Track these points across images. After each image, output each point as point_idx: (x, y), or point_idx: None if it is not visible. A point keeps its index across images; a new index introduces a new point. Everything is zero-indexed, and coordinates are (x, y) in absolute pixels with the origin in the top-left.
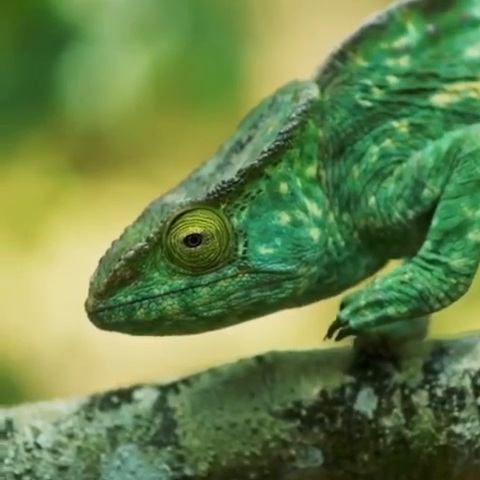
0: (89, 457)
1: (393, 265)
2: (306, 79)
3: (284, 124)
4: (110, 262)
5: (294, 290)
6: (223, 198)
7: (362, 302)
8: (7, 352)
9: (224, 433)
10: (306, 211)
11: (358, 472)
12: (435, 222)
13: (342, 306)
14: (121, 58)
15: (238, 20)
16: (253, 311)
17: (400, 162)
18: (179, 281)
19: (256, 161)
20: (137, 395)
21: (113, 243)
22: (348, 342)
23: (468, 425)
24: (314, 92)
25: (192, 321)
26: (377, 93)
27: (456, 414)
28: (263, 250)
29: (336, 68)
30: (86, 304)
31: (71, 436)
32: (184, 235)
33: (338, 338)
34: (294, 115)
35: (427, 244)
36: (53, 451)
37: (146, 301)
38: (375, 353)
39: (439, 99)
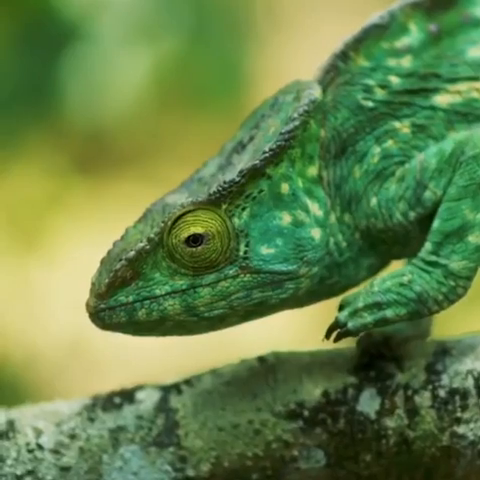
0: (91, 458)
1: (395, 266)
2: (308, 79)
3: (286, 124)
4: (111, 262)
5: (295, 290)
6: (224, 198)
7: (360, 304)
8: (9, 352)
9: (226, 434)
10: (307, 211)
11: (361, 473)
12: (436, 224)
13: (341, 307)
14: (123, 58)
15: (241, 20)
16: (254, 311)
17: (402, 163)
18: (180, 281)
19: (257, 161)
20: (139, 396)
21: (114, 243)
22: (351, 343)
23: (471, 426)
24: (316, 92)
25: (193, 321)
26: (379, 93)
27: (459, 415)
28: (264, 250)
29: (338, 68)
30: (87, 304)
31: (73, 437)
32: (185, 235)
33: (336, 340)
34: (296, 115)
35: (427, 246)
36: (55, 452)
37: (147, 301)
38: (378, 354)
39: (441, 99)
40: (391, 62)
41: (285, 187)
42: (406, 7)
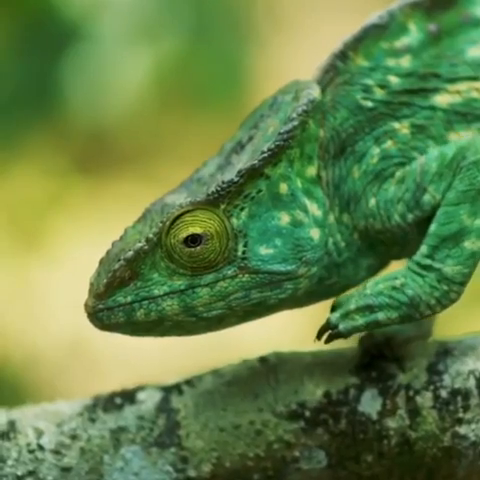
0: (92, 458)
1: (395, 266)
2: (307, 79)
3: (284, 124)
4: (110, 263)
5: (294, 290)
6: (223, 198)
7: (352, 306)
8: (9, 352)
9: (227, 434)
10: (306, 211)
11: (362, 473)
12: (433, 227)
13: (333, 308)
14: (124, 58)
15: (241, 20)
16: (253, 312)
17: (401, 164)
18: (179, 282)
19: (256, 161)
20: (140, 396)
21: (113, 244)
22: (352, 343)
23: (473, 426)
24: (315, 92)
25: (192, 322)
26: (378, 93)
27: (461, 415)
28: (263, 250)
29: (337, 68)
30: (86, 305)
31: (74, 437)
32: (184, 235)
33: (327, 341)
34: (294, 115)
35: (423, 249)
36: (56, 452)
37: (146, 302)
38: (379, 354)
39: (441, 99)
40: (390, 62)
41: (284, 187)
42: (405, 7)
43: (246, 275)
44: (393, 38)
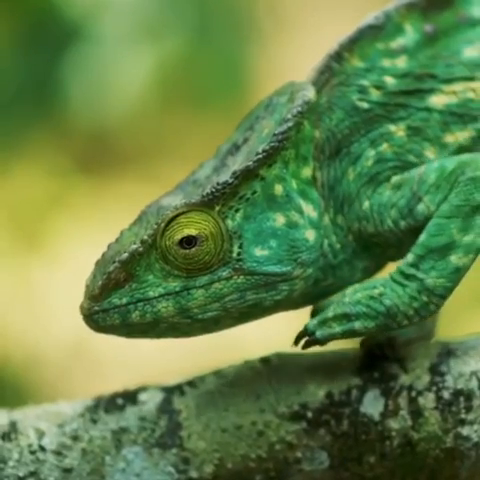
0: (94, 459)
1: (393, 267)
2: (302, 80)
3: (279, 125)
4: (105, 265)
5: (290, 292)
6: (217, 200)
7: (330, 314)
8: (11, 353)
9: (229, 435)
10: (301, 212)
11: (364, 474)
12: (422, 237)
13: (313, 314)
14: (126, 58)
15: (244, 19)
16: (249, 313)
17: (396, 168)
18: (174, 283)
19: (250, 162)
20: (142, 397)
21: (109, 246)
22: (354, 344)
23: (475, 427)
24: (310, 93)
25: (187, 323)
26: (374, 94)
27: (463, 416)
28: (258, 252)
29: (332, 69)
30: (81, 307)
31: (76, 438)
32: (179, 237)
33: (304, 347)
34: (289, 116)
35: (409, 257)
36: (57, 453)
37: (141, 303)
38: (382, 355)
39: (437, 100)
40: (386, 63)
41: (278, 188)
42: (401, 7)
43: (241, 276)
44: (389, 39)
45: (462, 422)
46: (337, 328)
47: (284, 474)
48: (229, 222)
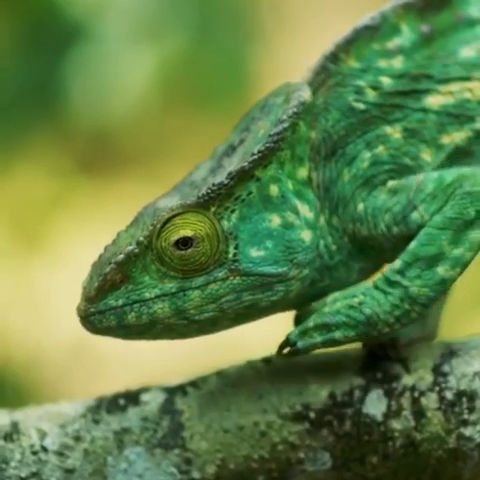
0: (96, 460)
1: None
2: (298, 81)
3: (275, 126)
4: (101, 266)
5: (286, 293)
6: (213, 201)
7: (311, 324)
8: (12, 354)
9: (232, 436)
10: (297, 213)
11: (367, 475)
12: (412, 245)
13: (296, 320)
14: (128, 57)
15: (246, 18)
16: (245, 314)
17: (392, 171)
18: (170, 284)
19: (246, 163)
20: (144, 397)
21: (105, 248)
22: (357, 344)
23: (478, 428)
24: (306, 94)
25: (184, 325)
26: (371, 94)
27: (466, 417)
28: (254, 253)
29: (328, 70)
30: (78, 309)
31: (78, 439)
32: (175, 238)
33: (287, 356)
34: (285, 117)
35: (396, 263)
36: (59, 454)
37: (137, 305)
38: (384, 355)
39: (433, 101)
40: (382, 63)
41: (274, 189)
42: (398, 8)
43: (237, 277)
44: (385, 39)
45: (465, 423)
46: (318, 338)
47: (287, 475)
48: (225, 223)
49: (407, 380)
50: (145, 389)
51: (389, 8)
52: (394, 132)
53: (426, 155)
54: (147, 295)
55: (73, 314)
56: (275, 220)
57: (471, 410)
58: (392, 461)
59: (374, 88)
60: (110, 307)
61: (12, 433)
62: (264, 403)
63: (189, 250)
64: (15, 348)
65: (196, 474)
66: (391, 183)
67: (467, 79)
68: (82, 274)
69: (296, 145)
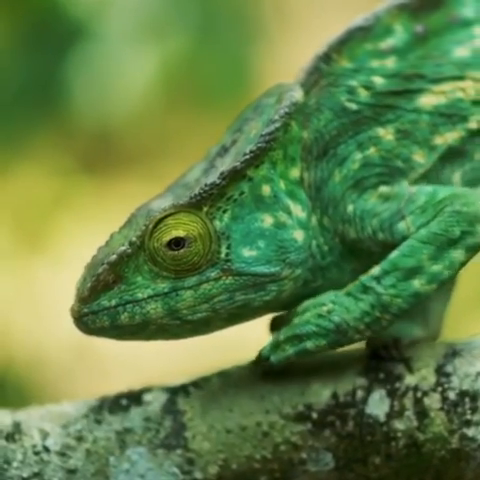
0: (98, 460)
1: None
2: (291, 81)
3: (266, 126)
4: (94, 267)
5: (279, 293)
6: (205, 201)
7: (282, 337)
8: (14, 354)
9: (234, 436)
10: (289, 213)
11: (370, 475)
12: (393, 254)
13: (271, 327)
14: (130, 57)
15: (249, 18)
16: (238, 314)
17: (383, 174)
18: (162, 284)
19: (238, 163)
20: (146, 397)
21: (99, 249)
22: (360, 344)
23: None
24: (297, 94)
25: (177, 325)
26: (363, 94)
27: (469, 417)
28: (246, 252)
29: (321, 70)
30: (71, 309)
31: (80, 439)
32: (167, 239)
33: (263, 373)
34: (276, 117)
35: (375, 270)
36: (61, 454)
37: (130, 305)
38: (387, 355)
39: (425, 101)
40: (375, 63)
41: (266, 189)
42: (393, 8)
43: (229, 277)
44: (378, 39)
45: (468, 423)
46: (290, 350)
47: (289, 475)
48: (217, 223)
49: (410, 380)
50: (147, 389)
51: (383, 8)
52: (386, 134)
53: (418, 157)
54: (140, 295)
55: None
56: (267, 220)
57: (474, 410)
58: (395, 461)
59: (366, 88)
60: (103, 307)
61: (14, 433)
62: (266, 403)
63: (181, 250)
64: (17, 348)
65: (198, 474)
66: (384, 189)
67: (460, 78)
68: None
69: (288, 145)
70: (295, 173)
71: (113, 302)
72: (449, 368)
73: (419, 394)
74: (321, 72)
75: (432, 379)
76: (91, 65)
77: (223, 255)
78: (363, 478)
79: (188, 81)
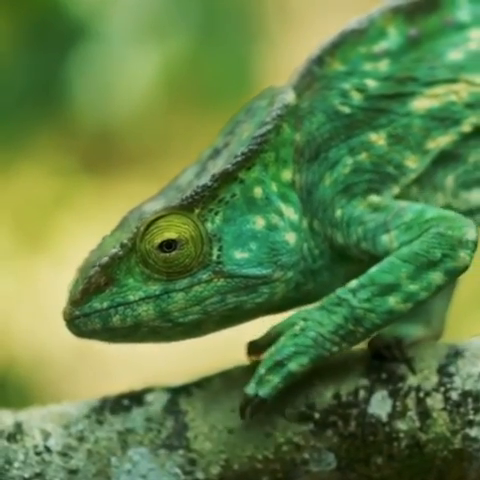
0: (99, 460)
1: None
2: (283, 84)
3: (258, 128)
4: (86, 270)
5: (270, 295)
6: (197, 203)
7: (262, 370)
8: (16, 354)
9: (236, 436)
10: (281, 215)
11: (372, 476)
12: (373, 269)
13: (248, 351)
14: (132, 57)
15: (251, 18)
16: (230, 317)
17: (372, 181)
18: (154, 287)
19: (229, 165)
20: (148, 398)
21: (90, 252)
22: (362, 345)
23: None
24: (289, 97)
25: (168, 327)
26: (356, 98)
27: (471, 417)
28: (238, 254)
29: (314, 73)
30: (63, 312)
31: (81, 439)
32: (159, 241)
33: (252, 414)
34: (268, 119)
35: (352, 283)
36: (63, 454)
37: (121, 307)
38: (389, 355)
39: (418, 104)
40: (368, 66)
41: (258, 191)
42: (387, 11)
43: (221, 279)
44: (371, 42)
45: (470, 423)
46: (275, 379)
47: (291, 475)
48: (209, 225)
49: (412, 380)
50: (149, 389)
51: (378, 12)
52: (378, 139)
53: (410, 162)
54: (131, 297)
55: None
56: (259, 222)
57: (476, 411)
58: (397, 462)
59: (359, 91)
60: (95, 310)
61: (15, 434)
62: (268, 403)
63: (173, 252)
64: (19, 348)
65: (200, 475)
66: (374, 198)
67: (453, 81)
68: None
69: (280, 147)
70: (287, 175)
71: (105, 304)
72: (451, 368)
73: (421, 394)
74: (314, 75)
75: (434, 379)
76: (93, 65)
77: (215, 257)
78: (365, 478)
79: (190, 81)
